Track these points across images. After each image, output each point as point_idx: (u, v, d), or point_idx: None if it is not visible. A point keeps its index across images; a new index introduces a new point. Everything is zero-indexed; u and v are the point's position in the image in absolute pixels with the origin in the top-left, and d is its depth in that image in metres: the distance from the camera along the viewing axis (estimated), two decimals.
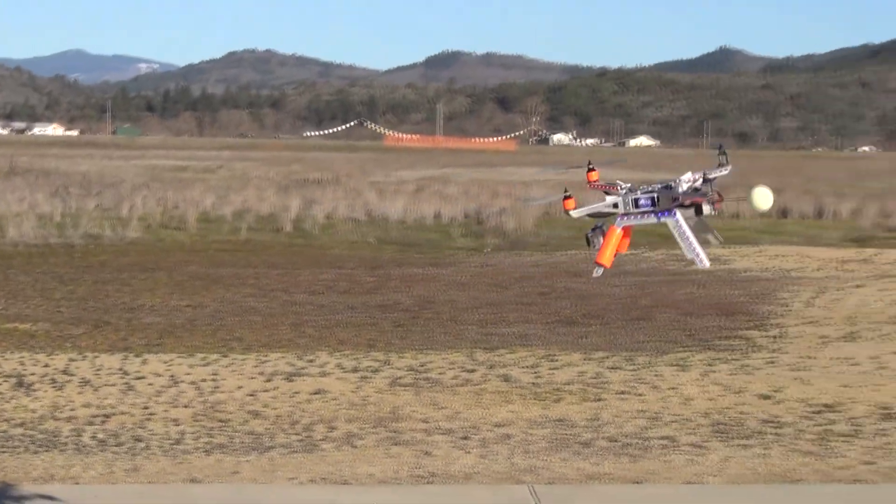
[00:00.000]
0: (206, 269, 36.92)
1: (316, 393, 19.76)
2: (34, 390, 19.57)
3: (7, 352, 22.88)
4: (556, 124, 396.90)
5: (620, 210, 15.69)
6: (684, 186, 13.88)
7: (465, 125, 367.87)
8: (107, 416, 17.96)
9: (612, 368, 22.07)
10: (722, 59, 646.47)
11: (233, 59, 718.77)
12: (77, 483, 14.67)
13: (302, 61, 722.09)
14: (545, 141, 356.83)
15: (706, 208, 14.14)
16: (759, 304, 30.71)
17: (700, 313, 29.04)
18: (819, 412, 18.70)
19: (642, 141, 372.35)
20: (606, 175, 13.04)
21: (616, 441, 16.85)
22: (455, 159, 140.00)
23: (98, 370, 21.27)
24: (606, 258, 13.84)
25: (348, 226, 50.69)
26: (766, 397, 19.72)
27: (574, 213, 15.78)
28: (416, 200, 58.86)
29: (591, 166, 14.36)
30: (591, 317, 28.37)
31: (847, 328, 27.04)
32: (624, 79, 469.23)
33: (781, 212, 60.02)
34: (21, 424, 17.34)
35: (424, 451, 16.22)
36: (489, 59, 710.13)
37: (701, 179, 13.88)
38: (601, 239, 13.90)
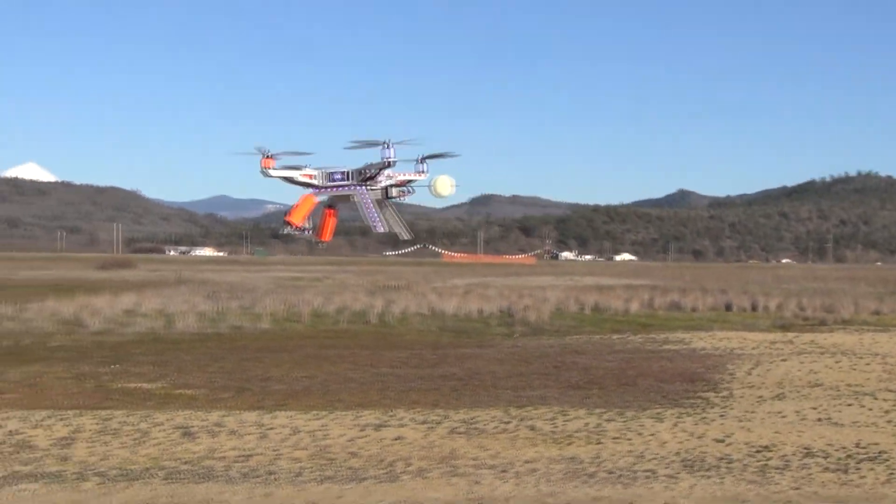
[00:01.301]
0: (316, 350, 36.93)
1: (396, 439, 19.69)
2: (196, 438, 19.59)
3: (177, 410, 22.94)
4: (563, 245, 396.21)
5: (318, 182, 15.11)
6: (375, 172, 13.35)
7: (498, 246, 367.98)
8: (248, 456, 17.95)
9: (609, 420, 21.91)
10: (680, 198, 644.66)
11: None
12: None
13: None
14: (556, 257, 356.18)
15: (394, 191, 13.77)
16: (712, 373, 30.46)
17: (671, 380, 28.81)
18: (759, 451, 18.52)
19: (625, 256, 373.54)
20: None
21: (612, 473, 16.71)
22: (491, 271, 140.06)
23: (241, 423, 21.28)
24: (296, 217, 13.27)
25: (417, 319, 50.63)
26: (720, 441, 19.53)
27: (272, 172, 15.11)
28: (465, 300, 58.77)
29: (268, 154, 13.66)
30: (592, 383, 28.20)
31: (777, 390, 26.80)
32: (611, 212, 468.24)
33: (726, 306, 59.80)
34: (187, 462, 17.36)
35: (475, 480, 16.12)
36: (515, 200, 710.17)
37: (394, 173, 13.31)
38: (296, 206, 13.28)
